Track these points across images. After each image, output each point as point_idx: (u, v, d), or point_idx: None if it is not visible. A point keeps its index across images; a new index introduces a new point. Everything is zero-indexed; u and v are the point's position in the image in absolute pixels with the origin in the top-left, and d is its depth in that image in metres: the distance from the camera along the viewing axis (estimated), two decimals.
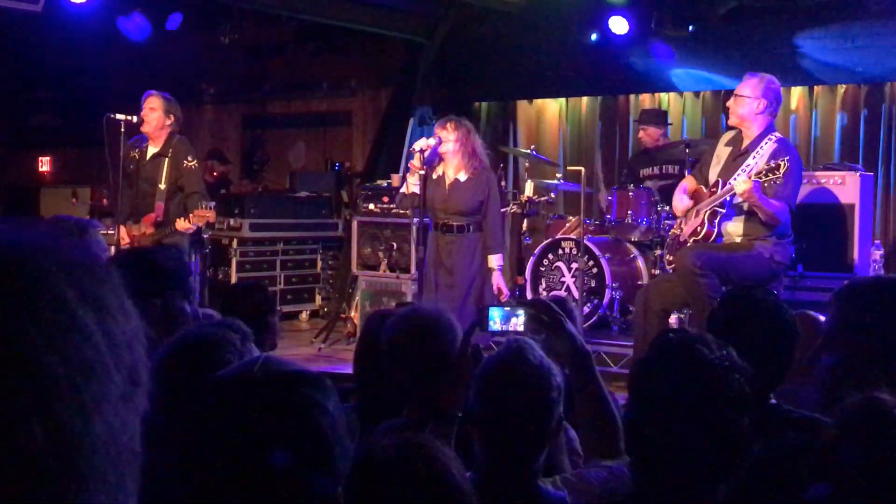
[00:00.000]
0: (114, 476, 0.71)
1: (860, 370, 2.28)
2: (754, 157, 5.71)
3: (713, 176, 5.92)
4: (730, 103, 5.92)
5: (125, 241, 6.68)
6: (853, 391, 1.66)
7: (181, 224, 6.46)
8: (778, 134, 5.86)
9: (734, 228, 5.76)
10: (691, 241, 5.86)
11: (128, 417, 0.74)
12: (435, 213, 6.32)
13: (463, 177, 6.26)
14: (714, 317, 2.84)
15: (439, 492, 1.64)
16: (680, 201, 6.04)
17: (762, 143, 5.75)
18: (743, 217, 5.72)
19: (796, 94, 8.87)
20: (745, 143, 5.82)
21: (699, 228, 5.81)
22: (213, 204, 6.52)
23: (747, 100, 5.75)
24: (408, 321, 2.96)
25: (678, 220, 6.23)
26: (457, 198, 6.24)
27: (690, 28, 8.44)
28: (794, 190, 5.69)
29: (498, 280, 6.23)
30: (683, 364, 1.85)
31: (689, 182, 6.12)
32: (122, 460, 0.73)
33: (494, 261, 6.22)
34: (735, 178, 5.64)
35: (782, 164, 5.38)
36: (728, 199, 5.69)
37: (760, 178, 5.44)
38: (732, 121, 5.89)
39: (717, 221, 5.76)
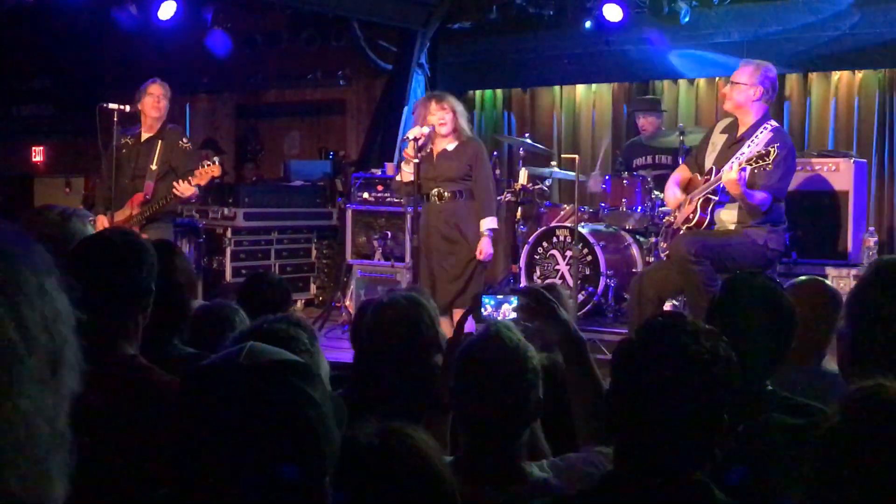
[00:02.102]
0: (28, 461, 0.71)
1: (863, 345, 2.31)
2: (749, 146, 5.70)
3: (708, 163, 5.90)
4: (725, 89, 5.91)
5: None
6: (857, 376, 1.67)
7: (183, 186, 6.45)
8: (774, 122, 5.85)
9: (728, 216, 5.75)
10: (684, 228, 5.86)
11: (47, 400, 0.73)
12: (427, 186, 6.31)
13: (451, 146, 6.32)
14: (715, 301, 2.85)
15: (422, 479, 1.65)
16: (672, 195, 6.02)
17: (757, 132, 5.73)
18: (736, 204, 5.71)
19: (791, 80, 8.87)
20: (741, 130, 5.81)
21: (692, 216, 5.81)
22: (216, 158, 6.47)
23: (743, 87, 5.74)
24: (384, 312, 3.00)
25: (672, 209, 6.22)
26: (445, 165, 6.28)
27: (685, 16, 8.43)
28: (782, 179, 5.68)
29: (485, 244, 6.23)
30: (665, 350, 1.86)
31: (682, 172, 6.11)
32: (41, 444, 0.72)
33: (486, 224, 6.24)
34: (728, 167, 5.63)
35: (772, 150, 5.37)
36: (721, 186, 5.68)
37: (751, 164, 5.43)
38: (728, 107, 5.88)
39: (709, 209, 5.75)
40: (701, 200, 5.78)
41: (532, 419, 2.31)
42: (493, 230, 6.31)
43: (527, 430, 2.29)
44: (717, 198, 5.73)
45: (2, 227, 0.76)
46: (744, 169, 5.45)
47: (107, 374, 2.47)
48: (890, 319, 2.29)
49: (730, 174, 5.45)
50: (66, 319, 0.76)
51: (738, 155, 5.69)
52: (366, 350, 3.07)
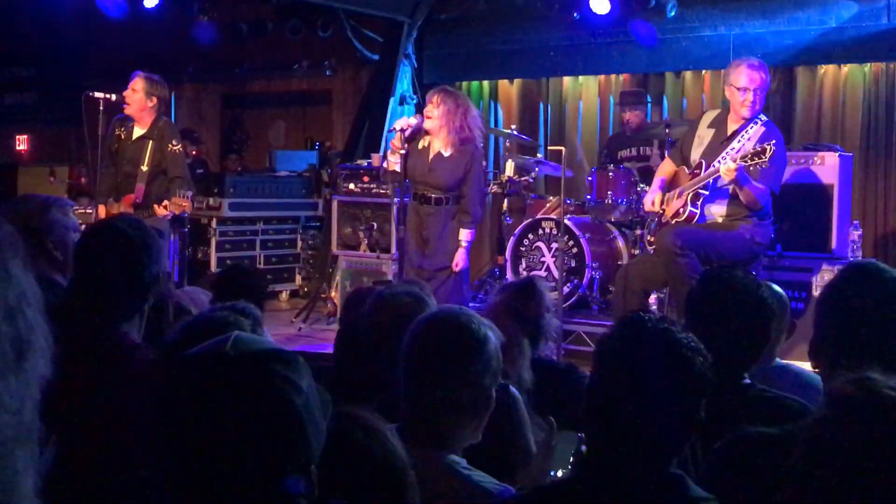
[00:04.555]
0: None
1: (835, 342, 2.32)
2: (740, 141, 5.69)
3: (695, 157, 5.89)
4: (743, 97, 5.65)
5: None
6: (843, 370, 1.67)
7: (158, 211, 6.41)
8: (764, 117, 5.83)
9: (717, 209, 5.76)
10: (673, 222, 5.85)
11: (10, 389, 0.68)
12: (415, 185, 6.26)
13: (447, 152, 6.15)
14: (692, 296, 2.85)
15: (379, 461, 1.68)
16: (649, 200, 5.99)
17: (748, 126, 5.72)
18: (726, 199, 5.71)
19: (777, 74, 8.88)
20: (733, 126, 5.78)
21: (682, 210, 5.80)
22: (190, 193, 6.45)
23: (762, 92, 5.70)
24: (387, 304, 2.97)
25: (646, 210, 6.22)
26: (438, 173, 6.17)
27: (672, 8, 8.43)
28: (778, 174, 5.68)
29: (460, 256, 6.17)
30: (650, 342, 1.87)
31: (667, 167, 6.10)
32: (5, 437, 0.67)
33: (464, 235, 6.18)
34: (720, 161, 5.61)
35: (769, 148, 5.35)
36: (711, 181, 5.67)
37: (746, 161, 5.42)
38: (748, 114, 5.65)
39: (699, 203, 5.75)
40: (691, 195, 5.78)
41: (480, 407, 2.30)
42: (470, 242, 6.25)
43: (467, 414, 2.29)
44: (707, 192, 5.72)
45: None
46: (741, 166, 5.43)
47: (105, 355, 2.50)
48: (863, 321, 2.30)
49: (728, 164, 5.42)
50: (32, 302, 0.71)
51: (728, 150, 5.68)
52: (356, 342, 3.06)
